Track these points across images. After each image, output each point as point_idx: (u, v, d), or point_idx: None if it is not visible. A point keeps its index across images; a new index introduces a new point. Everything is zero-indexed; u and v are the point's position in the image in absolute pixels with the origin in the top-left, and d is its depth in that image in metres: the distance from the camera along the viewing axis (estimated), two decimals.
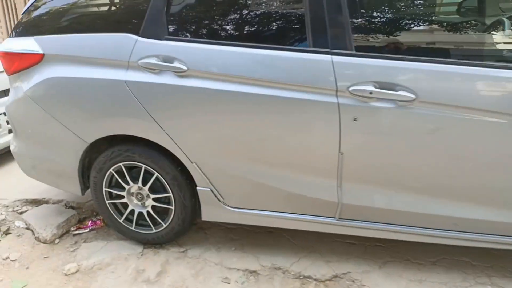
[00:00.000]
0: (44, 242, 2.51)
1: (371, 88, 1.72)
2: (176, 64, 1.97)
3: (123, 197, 2.33)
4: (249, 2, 2.05)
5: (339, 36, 1.78)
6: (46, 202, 2.94)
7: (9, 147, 3.53)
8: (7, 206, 2.90)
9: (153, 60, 2.00)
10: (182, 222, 2.27)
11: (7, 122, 3.52)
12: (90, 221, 2.66)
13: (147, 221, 2.34)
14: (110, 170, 2.27)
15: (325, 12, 1.79)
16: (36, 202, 2.95)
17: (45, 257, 2.40)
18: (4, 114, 3.47)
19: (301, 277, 2.06)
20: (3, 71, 3.39)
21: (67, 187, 2.46)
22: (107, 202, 2.36)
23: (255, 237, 2.37)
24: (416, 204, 1.88)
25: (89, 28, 2.18)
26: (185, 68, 1.95)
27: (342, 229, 2.01)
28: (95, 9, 2.29)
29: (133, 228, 2.38)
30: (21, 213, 2.84)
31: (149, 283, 2.11)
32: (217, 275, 2.12)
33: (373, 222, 1.97)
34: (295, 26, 1.92)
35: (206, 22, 2.04)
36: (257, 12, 2.01)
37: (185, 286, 2.07)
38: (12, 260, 2.39)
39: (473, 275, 2.03)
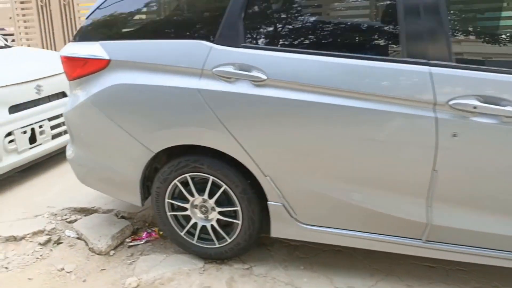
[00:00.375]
0: (99, 254, 2.42)
1: (475, 102, 1.60)
2: (254, 73, 1.88)
3: (186, 209, 2.23)
4: (337, 8, 1.96)
5: (438, 46, 1.67)
6: (96, 211, 2.85)
7: (52, 153, 3.50)
8: (55, 215, 2.82)
9: (229, 69, 1.91)
10: (248, 238, 2.16)
11: (51, 128, 3.46)
12: (145, 233, 2.57)
13: (210, 235, 2.24)
14: (175, 181, 2.18)
15: (422, 19, 1.68)
16: (85, 211, 2.87)
17: (101, 270, 2.31)
18: (48, 120, 3.42)
19: None
20: (47, 77, 3.35)
21: (125, 197, 2.37)
22: (168, 214, 2.27)
23: (323, 256, 2.26)
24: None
25: (159, 34, 2.10)
26: (264, 77, 1.86)
27: (428, 251, 1.88)
28: (165, 14, 2.21)
29: (194, 242, 2.27)
30: (70, 222, 2.76)
31: None
32: None
33: (462, 246, 1.84)
34: (388, 35, 1.82)
35: (287, 29, 1.95)
36: (346, 19, 1.91)
37: None
38: (68, 272, 2.30)
39: None
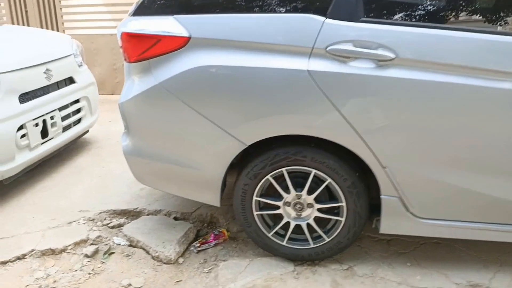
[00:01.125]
0: (168, 263, 2.09)
1: None
2: (380, 51, 1.65)
3: (277, 207, 1.98)
4: None
5: None
6: (140, 212, 2.49)
7: (61, 148, 3.03)
8: (93, 220, 2.43)
9: (348, 46, 1.67)
10: (352, 236, 1.95)
11: (62, 119, 2.98)
12: (212, 234, 2.26)
13: (302, 234, 2.01)
14: (268, 176, 1.91)
15: None
16: (126, 214, 2.50)
17: (177, 282, 1.99)
18: (59, 109, 2.94)
19: None
20: (56, 60, 2.88)
21: (200, 196, 2.07)
22: (255, 213, 2.00)
23: (423, 250, 2.11)
24: None
25: (253, 6, 1.80)
26: (392, 56, 1.64)
27: None
28: None
29: (284, 243, 2.03)
30: (113, 227, 2.38)
31: None
32: None
33: None
34: None
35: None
36: None
37: None
38: None
39: None
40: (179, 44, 1.82)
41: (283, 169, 1.89)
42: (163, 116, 1.93)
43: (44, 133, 2.81)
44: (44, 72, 2.80)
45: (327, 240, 1.98)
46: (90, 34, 5.18)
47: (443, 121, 1.67)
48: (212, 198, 2.02)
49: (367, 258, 2.08)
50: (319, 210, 1.95)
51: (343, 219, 1.93)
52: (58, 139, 2.96)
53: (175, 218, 2.43)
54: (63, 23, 5.34)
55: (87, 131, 3.48)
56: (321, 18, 1.70)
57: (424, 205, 1.84)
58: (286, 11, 1.75)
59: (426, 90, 1.64)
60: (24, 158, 2.64)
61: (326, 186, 1.89)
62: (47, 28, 5.34)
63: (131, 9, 1.97)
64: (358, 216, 1.91)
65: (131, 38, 1.88)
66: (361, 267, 2.02)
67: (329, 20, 1.69)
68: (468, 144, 1.69)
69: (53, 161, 3.16)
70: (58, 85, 2.98)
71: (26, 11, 5.30)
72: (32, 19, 5.34)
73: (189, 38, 1.81)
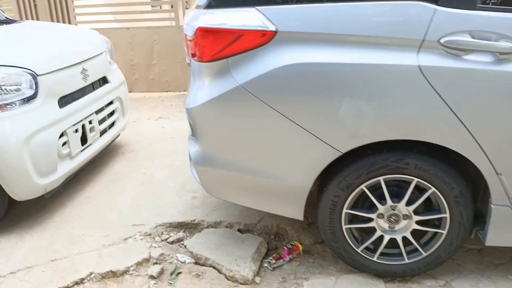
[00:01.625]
0: (245, 283, 1.89)
1: None
2: (501, 43, 1.44)
3: (370, 220, 1.78)
4: None
5: None
6: (197, 225, 2.29)
7: (97, 154, 2.81)
8: (150, 235, 2.22)
9: (464, 38, 1.46)
10: (454, 249, 1.77)
11: (99, 123, 2.75)
12: (286, 249, 2.06)
13: (394, 248, 1.82)
14: (362, 186, 1.71)
15: None
16: (184, 226, 2.29)
17: None
18: (96, 113, 2.70)
19: None
20: (91, 58, 2.64)
21: (281, 209, 1.87)
22: (344, 227, 1.80)
23: None
24: None
25: None
26: None
27: None
28: None
29: (374, 259, 1.84)
30: (172, 242, 2.18)
31: None
32: None
33: None
34: None
35: None
36: None
37: None
38: None
39: None
40: (264, 39, 1.60)
41: (381, 178, 1.68)
42: (244, 122, 1.71)
43: (84, 139, 2.58)
44: (81, 72, 2.56)
45: (425, 254, 1.79)
46: (105, 28, 4.90)
47: None
48: (295, 211, 1.82)
49: (462, 272, 1.89)
50: (419, 222, 1.76)
51: (445, 232, 1.74)
52: (96, 144, 2.73)
53: (239, 230, 2.22)
54: (75, 17, 5.05)
55: (119, 134, 3.24)
56: (432, 6, 1.48)
57: None
58: None
59: None
60: (66, 168, 2.41)
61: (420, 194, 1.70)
62: (58, 22, 5.05)
63: (201, 0, 1.74)
64: (462, 228, 1.72)
65: (208, 34, 1.65)
66: (459, 282, 1.84)
67: (441, 8, 1.47)
68: None
69: (89, 169, 2.93)
70: (93, 86, 2.74)
71: (35, 5, 5.00)
72: (42, 13, 5.04)
73: (275, 32, 1.58)
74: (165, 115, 4.12)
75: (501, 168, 1.57)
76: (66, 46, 2.64)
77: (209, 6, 1.68)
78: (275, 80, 1.61)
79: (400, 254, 1.82)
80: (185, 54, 2.06)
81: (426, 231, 1.80)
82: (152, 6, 5.53)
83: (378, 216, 1.78)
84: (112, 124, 3.00)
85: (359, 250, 1.83)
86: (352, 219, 1.82)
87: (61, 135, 2.35)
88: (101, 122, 2.78)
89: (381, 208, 1.75)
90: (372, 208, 1.76)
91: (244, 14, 1.61)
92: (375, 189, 1.73)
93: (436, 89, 1.50)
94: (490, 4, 1.50)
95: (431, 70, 1.49)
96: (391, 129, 1.58)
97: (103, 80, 2.90)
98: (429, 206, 1.77)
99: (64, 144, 2.38)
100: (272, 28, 1.58)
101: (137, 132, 3.61)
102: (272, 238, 2.21)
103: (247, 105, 1.67)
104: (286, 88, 1.61)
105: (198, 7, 1.74)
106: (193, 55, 1.75)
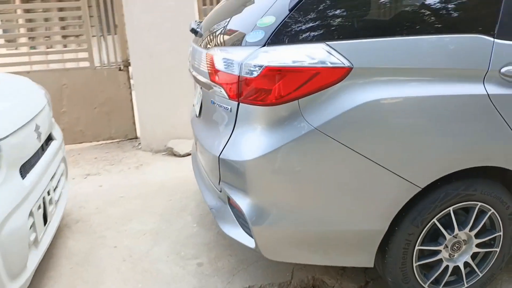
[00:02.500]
0: None
1: None
2: None
3: (438, 252, 1.75)
4: None
5: None
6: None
7: None
8: None
9: None
10: (504, 265, 1.86)
11: (54, 191, 2.14)
12: None
13: (453, 275, 1.83)
14: (434, 219, 1.67)
15: None
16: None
17: None
18: (51, 180, 2.09)
19: None
20: (41, 112, 2.12)
21: (351, 259, 1.72)
22: (414, 265, 1.73)
23: None
24: None
25: (411, 28, 1.56)
26: None
27: None
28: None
29: None
30: None
31: None
32: None
33: None
34: None
35: None
36: None
37: None
38: None
39: None
40: (339, 76, 1.47)
41: (451, 208, 1.68)
42: (319, 168, 1.53)
43: (45, 217, 1.97)
44: (35, 130, 1.97)
45: (481, 275, 1.84)
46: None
47: None
48: (366, 258, 1.69)
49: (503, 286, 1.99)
50: (478, 244, 1.80)
51: (498, 249, 1.82)
52: (54, 220, 2.11)
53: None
54: None
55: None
56: (490, 38, 1.57)
57: None
58: (450, 32, 1.57)
59: None
60: (35, 261, 1.78)
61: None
62: None
63: (253, 36, 1.52)
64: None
65: (279, 74, 1.44)
66: None
67: (498, 41, 1.58)
68: None
69: None
70: (43, 146, 2.13)
71: None
72: None
73: (350, 69, 1.47)
74: (93, 171, 3.48)
75: None
76: (14, 98, 2.01)
77: (269, 43, 1.48)
78: (352, 119, 1.49)
79: (458, 281, 1.84)
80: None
81: (478, 253, 1.86)
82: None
83: (445, 246, 1.76)
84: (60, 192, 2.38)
85: (426, 286, 1.78)
86: (420, 255, 1.77)
87: (29, 216, 1.74)
88: (54, 190, 2.17)
89: (448, 238, 1.74)
90: (438, 239, 1.74)
91: (316, 50, 1.46)
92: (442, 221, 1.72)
93: (503, 116, 1.57)
94: None
95: (497, 98, 1.56)
96: (466, 159, 1.60)
97: (49, 137, 2.29)
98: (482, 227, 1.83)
99: (31, 227, 1.76)
100: (347, 64, 1.46)
101: (71, 197, 2.94)
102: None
103: (323, 149, 1.50)
104: (366, 126, 1.50)
105: (247, 44, 1.52)
106: (247, 97, 1.51)
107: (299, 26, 1.49)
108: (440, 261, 1.78)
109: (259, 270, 2.08)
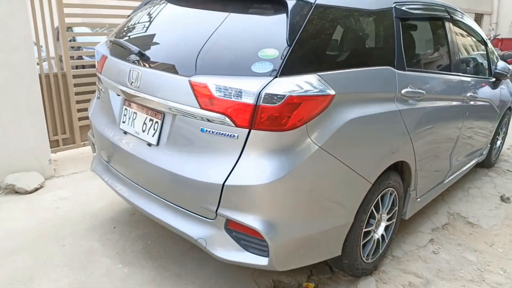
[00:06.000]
0: None
1: None
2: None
3: (370, 232, 2.27)
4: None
5: None
6: None
7: None
8: None
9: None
10: (396, 230, 2.55)
11: None
12: None
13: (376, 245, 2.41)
14: (371, 206, 2.18)
15: None
16: None
17: None
18: None
19: None
20: None
21: (329, 251, 2.04)
22: (360, 245, 2.19)
23: None
24: None
25: (361, 61, 1.98)
26: None
27: None
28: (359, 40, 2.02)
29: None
30: None
31: None
32: None
33: None
34: None
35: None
36: None
37: None
38: None
39: None
40: (328, 102, 1.75)
41: (379, 196, 2.22)
42: (320, 180, 1.78)
43: None
44: None
45: (387, 241, 2.49)
46: None
47: None
48: (338, 248, 2.05)
49: None
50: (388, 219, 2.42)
51: (395, 220, 2.50)
52: None
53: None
54: None
55: None
56: (394, 69, 2.17)
57: None
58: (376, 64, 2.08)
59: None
60: None
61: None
62: None
63: (259, 68, 1.62)
64: None
65: (298, 102, 1.60)
66: None
67: (397, 71, 2.19)
68: None
69: None
70: None
71: None
72: None
73: (333, 95, 1.77)
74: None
75: None
76: None
77: (282, 73, 1.62)
78: (342, 135, 1.80)
79: (377, 250, 2.41)
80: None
81: (387, 225, 2.48)
82: None
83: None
84: None
85: (364, 259, 2.28)
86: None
87: None
88: None
89: (377, 219, 2.29)
90: (370, 221, 2.25)
91: (313, 80, 1.70)
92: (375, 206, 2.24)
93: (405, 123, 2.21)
94: None
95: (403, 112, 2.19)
96: (393, 156, 2.16)
97: None
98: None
99: None
100: (332, 92, 1.76)
101: None
102: None
103: (326, 164, 1.77)
104: (345, 138, 1.84)
105: (255, 74, 1.63)
106: (263, 124, 1.61)
107: (298, 59, 1.68)
108: (372, 237, 2.31)
109: (217, 282, 2.12)
